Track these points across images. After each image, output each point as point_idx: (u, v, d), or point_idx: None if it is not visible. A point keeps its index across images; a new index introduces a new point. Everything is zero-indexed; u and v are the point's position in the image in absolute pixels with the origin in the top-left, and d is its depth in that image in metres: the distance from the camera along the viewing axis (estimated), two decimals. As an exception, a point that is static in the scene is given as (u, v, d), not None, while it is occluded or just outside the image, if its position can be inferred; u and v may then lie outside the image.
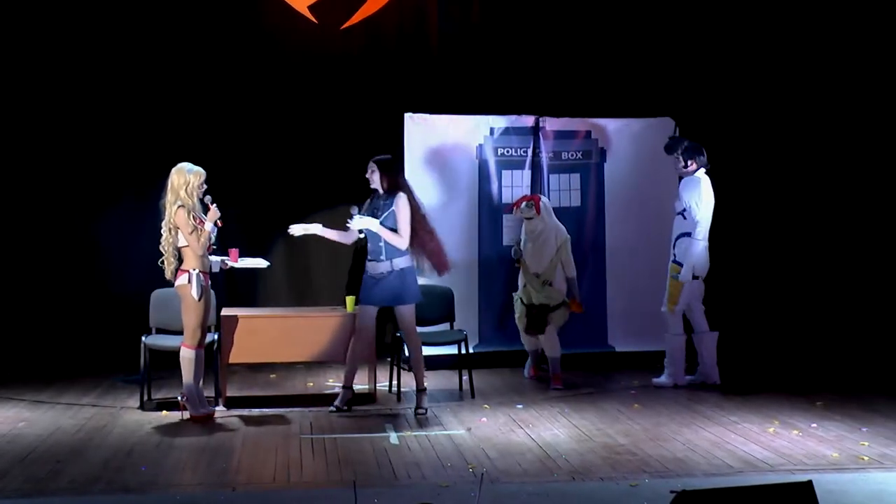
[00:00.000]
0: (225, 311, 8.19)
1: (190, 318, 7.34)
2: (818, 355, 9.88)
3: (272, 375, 9.23)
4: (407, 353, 8.19)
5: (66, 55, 9.79)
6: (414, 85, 10.16)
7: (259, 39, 10.05)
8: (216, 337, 8.04)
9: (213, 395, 8.02)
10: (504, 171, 9.74)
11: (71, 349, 9.61)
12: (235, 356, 8.05)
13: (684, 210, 8.65)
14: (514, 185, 9.75)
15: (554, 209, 9.63)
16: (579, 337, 9.68)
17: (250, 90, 10.06)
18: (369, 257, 7.74)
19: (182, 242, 7.28)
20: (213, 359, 8.00)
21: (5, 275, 9.76)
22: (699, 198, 8.58)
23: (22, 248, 9.80)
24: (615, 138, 9.87)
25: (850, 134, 10.54)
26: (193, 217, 7.26)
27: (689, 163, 8.66)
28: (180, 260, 7.34)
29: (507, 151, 9.76)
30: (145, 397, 7.86)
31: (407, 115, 9.57)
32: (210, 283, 7.46)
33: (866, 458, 6.36)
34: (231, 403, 7.93)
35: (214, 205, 7.34)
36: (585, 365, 9.57)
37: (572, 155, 9.86)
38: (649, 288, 9.81)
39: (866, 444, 6.72)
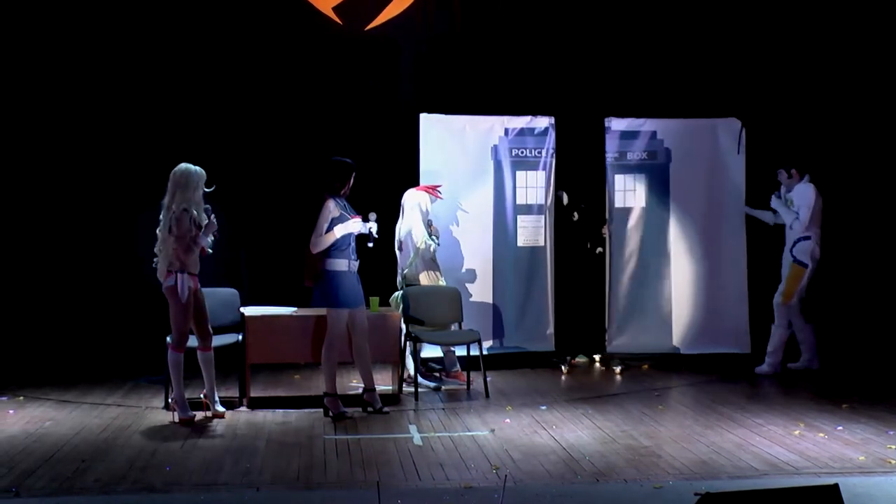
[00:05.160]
0: (248, 312, 8.21)
1: (172, 320, 7.34)
2: (845, 358, 9.83)
3: (296, 376, 9.25)
4: (361, 351, 7.77)
5: (105, 64, 9.91)
6: (429, 85, 10.18)
7: (279, 43, 10.09)
8: (240, 337, 8.07)
9: (237, 395, 8.07)
10: (518, 172, 9.73)
11: (96, 350, 9.69)
12: (259, 356, 8.10)
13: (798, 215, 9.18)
14: (529, 185, 9.75)
15: (617, 209, 9.64)
16: (644, 339, 9.70)
17: (272, 93, 10.13)
18: (353, 257, 7.63)
19: (173, 244, 7.27)
20: (237, 359, 8.05)
21: (32, 276, 9.85)
22: (812, 203, 9.13)
23: (47, 250, 9.89)
24: (680, 139, 9.83)
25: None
26: (193, 221, 7.27)
27: (793, 171, 9.23)
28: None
29: (522, 152, 9.74)
30: (169, 398, 7.89)
31: (423, 116, 9.58)
32: (199, 286, 7.43)
33: (893, 462, 6.31)
34: (255, 404, 7.97)
35: (213, 216, 7.34)
36: (651, 365, 9.65)
37: (637, 155, 9.84)
38: (712, 289, 9.74)
39: (893, 447, 6.66)
